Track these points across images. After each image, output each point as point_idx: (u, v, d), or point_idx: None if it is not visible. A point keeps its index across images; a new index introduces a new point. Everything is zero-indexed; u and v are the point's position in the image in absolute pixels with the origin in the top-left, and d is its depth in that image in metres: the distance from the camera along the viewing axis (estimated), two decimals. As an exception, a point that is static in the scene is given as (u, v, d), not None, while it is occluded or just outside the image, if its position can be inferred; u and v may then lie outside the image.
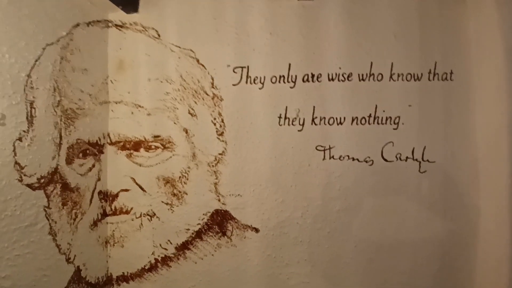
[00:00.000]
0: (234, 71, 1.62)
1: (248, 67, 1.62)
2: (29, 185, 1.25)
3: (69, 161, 1.45)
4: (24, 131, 1.23)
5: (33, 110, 1.27)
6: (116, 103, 1.68)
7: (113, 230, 1.69)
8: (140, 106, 1.66)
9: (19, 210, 1.21)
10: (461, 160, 1.55)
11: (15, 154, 1.20)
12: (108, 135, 1.68)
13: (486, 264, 1.49)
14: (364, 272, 1.59)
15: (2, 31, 1.16)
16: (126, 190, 1.67)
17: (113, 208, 1.68)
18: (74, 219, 1.49)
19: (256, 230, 1.61)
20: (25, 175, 1.23)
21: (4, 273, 1.15)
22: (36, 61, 1.29)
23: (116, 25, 1.70)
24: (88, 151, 1.57)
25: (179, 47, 1.65)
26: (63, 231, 1.42)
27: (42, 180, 1.31)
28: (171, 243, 1.66)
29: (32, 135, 1.26)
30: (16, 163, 1.20)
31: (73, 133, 1.48)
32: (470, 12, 1.56)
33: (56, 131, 1.38)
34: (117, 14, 1.69)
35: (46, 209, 1.33)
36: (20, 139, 1.21)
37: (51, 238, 1.36)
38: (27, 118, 1.24)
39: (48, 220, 1.34)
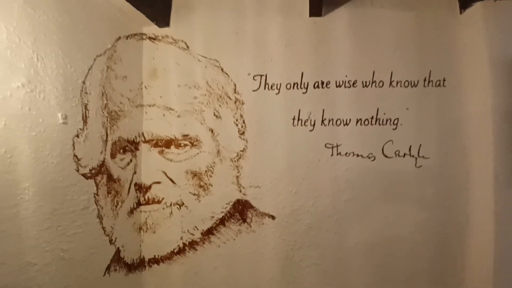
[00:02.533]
0: (254, 79, 1.85)
1: (266, 75, 1.85)
2: (83, 175, 1.49)
3: (112, 156, 1.69)
4: (80, 129, 1.46)
5: (87, 111, 1.50)
6: (150, 106, 1.91)
7: (146, 218, 1.92)
8: (171, 109, 1.90)
9: (76, 195, 1.44)
10: (452, 156, 1.76)
11: (74, 148, 1.43)
12: (143, 134, 1.91)
13: (475, 246, 1.70)
14: (368, 254, 1.80)
15: (64, 45, 1.39)
16: (158, 183, 1.90)
17: (146, 198, 1.91)
18: (116, 206, 1.72)
19: (273, 218, 1.84)
20: (80, 166, 1.47)
21: (66, 247, 1.38)
22: (89, 70, 1.53)
23: (150, 38, 1.94)
24: (126, 148, 1.80)
25: (205, 57, 1.88)
26: (107, 216, 1.65)
27: (93, 171, 1.54)
28: (197, 229, 1.88)
29: (86, 133, 1.50)
30: (74, 155, 1.43)
31: (116, 132, 1.71)
32: (460, 28, 1.78)
33: (103, 130, 1.62)
34: (151, 28, 1.93)
35: (95, 196, 1.56)
36: (77, 136, 1.45)
37: (99, 221, 1.59)
38: (82, 118, 1.48)
39: (97, 205, 1.57)
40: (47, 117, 1.29)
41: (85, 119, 1.49)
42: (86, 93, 1.50)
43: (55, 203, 1.32)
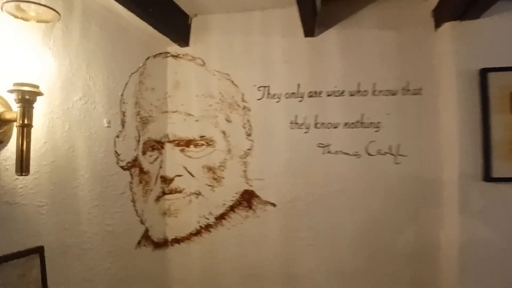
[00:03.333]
0: (258, 89, 2.22)
1: (269, 86, 2.22)
2: (122, 167, 1.89)
3: (143, 153, 2.09)
4: (119, 131, 1.87)
5: (124, 117, 1.91)
6: (173, 112, 2.31)
7: (169, 205, 2.31)
8: (190, 114, 2.29)
9: (116, 183, 1.85)
10: (426, 154, 2.07)
11: (115, 146, 1.84)
12: (167, 135, 2.31)
13: (446, 229, 2.01)
14: (355, 237, 2.12)
15: (108, 67, 1.80)
16: (180, 176, 2.29)
17: (170, 188, 2.30)
18: (145, 194, 2.12)
19: (274, 205, 2.20)
20: (120, 160, 1.87)
21: (108, 222, 1.78)
22: (126, 84, 1.94)
23: (173, 56, 2.34)
24: (154, 146, 2.21)
25: (219, 71, 2.27)
26: (139, 201, 2.05)
27: (129, 164, 1.94)
28: (212, 214, 2.26)
29: (124, 134, 1.90)
30: (115, 151, 1.84)
31: (146, 134, 2.12)
32: (435, 44, 2.09)
33: (137, 132, 2.02)
34: (174, 48, 2.33)
35: (130, 184, 1.96)
36: (117, 136, 1.85)
37: (132, 204, 1.99)
38: (121, 122, 1.88)
39: (131, 191, 1.97)
40: (96, 122, 1.70)
41: (123, 124, 1.89)
42: (124, 103, 1.91)
43: (102, 187, 1.73)
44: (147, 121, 2.12)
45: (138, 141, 2.04)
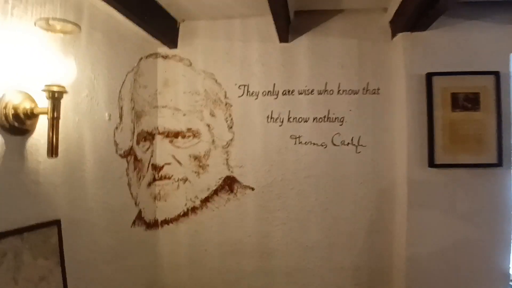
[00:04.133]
0: (239, 88, 2.53)
1: (248, 85, 2.52)
2: (120, 155, 2.16)
3: (137, 143, 2.36)
4: (118, 124, 2.14)
5: (122, 111, 2.18)
6: (163, 107, 2.59)
7: (160, 190, 2.60)
8: (178, 109, 2.57)
9: (115, 168, 2.12)
10: (383, 145, 2.43)
11: (114, 136, 2.11)
12: (157, 128, 2.59)
13: (398, 209, 2.38)
14: (321, 217, 2.47)
15: (108, 67, 2.06)
16: (169, 164, 2.58)
17: (159, 175, 2.58)
18: (139, 179, 2.40)
19: (252, 189, 2.51)
20: (118, 149, 2.14)
21: (109, 201, 2.05)
22: (123, 82, 2.20)
23: (163, 56, 2.61)
24: (146, 137, 2.48)
25: (204, 71, 2.56)
26: (134, 185, 2.33)
27: (125, 153, 2.22)
28: (197, 198, 2.56)
29: (121, 126, 2.17)
30: (115, 141, 2.11)
31: (140, 126, 2.39)
32: (390, 51, 2.44)
33: (132, 124, 2.30)
34: (164, 49, 2.60)
35: (127, 170, 2.24)
36: (116, 128, 2.12)
37: (128, 188, 2.26)
38: (119, 116, 2.16)
39: (127, 176, 2.25)
40: (99, 116, 1.97)
41: (120, 117, 2.17)
42: (121, 99, 2.18)
43: (104, 171, 2.00)
44: (140, 115, 2.40)
45: (133, 132, 2.31)
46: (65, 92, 1.40)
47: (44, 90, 1.36)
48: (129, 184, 2.27)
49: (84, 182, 1.85)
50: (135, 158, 2.34)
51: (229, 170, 2.53)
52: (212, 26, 2.58)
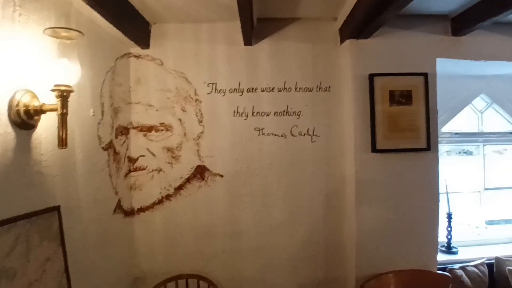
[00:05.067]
0: (208, 86, 2.79)
1: (216, 83, 2.79)
2: (102, 148, 2.35)
3: (116, 136, 2.56)
4: (100, 119, 2.32)
5: (103, 108, 2.37)
6: (136, 103, 2.79)
7: (135, 180, 2.80)
8: (151, 105, 2.78)
9: (98, 161, 2.31)
10: (333, 134, 2.82)
11: (98, 131, 2.30)
12: (132, 122, 2.78)
13: (347, 188, 2.79)
14: (283, 199, 2.82)
15: (91, 68, 2.24)
16: (143, 156, 2.78)
17: (135, 166, 2.79)
18: (118, 170, 2.59)
19: (221, 176, 2.80)
20: (101, 142, 2.33)
21: (95, 192, 2.24)
22: (103, 81, 2.39)
23: (135, 56, 2.81)
24: (122, 131, 2.67)
25: (175, 70, 2.79)
26: (113, 176, 2.52)
27: (106, 146, 2.41)
28: (171, 186, 2.80)
29: (103, 121, 2.36)
30: (98, 136, 2.30)
31: (117, 121, 2.58)
32: (339, 54, 2.83)
33: (111, 120, 2.49)
34: (136, 49, 2.79)
35: (108, 162, 2.43)
36: (99, 123, 2.31)
37: (109, 178, 2.45)
38: (101, 112, 2.34)
39: (108, 168, 2.44)
40: (85, 112, 2.15)
41: (102, 113, 2.35)
42: (102, 96, 2.36)
43: (90, 164, 2.19)
44: (117, 111, 2.58)
45: (112, 127, 2.50)
46: (73, 91, 1.60)
47: (53, 90, 1.56)
48: (110, 175, 2.46)
49: (76, 173, 2.04)
50: (114, 151, 2.53)
51: (200, 160, 2.80)
52: (182, 29, 2.81)
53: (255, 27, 2.75)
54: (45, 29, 1.57)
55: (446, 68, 2.91)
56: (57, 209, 1.82)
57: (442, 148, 3.66)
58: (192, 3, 2.50)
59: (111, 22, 2.27)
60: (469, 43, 2.80)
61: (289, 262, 2.81)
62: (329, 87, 2.84)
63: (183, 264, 2.78)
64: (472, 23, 2.62)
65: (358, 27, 2.53)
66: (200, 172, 2.80)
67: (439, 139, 2.76)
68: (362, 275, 2.64)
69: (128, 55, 2.78)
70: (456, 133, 3.63)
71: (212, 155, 2.80)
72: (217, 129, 2.80)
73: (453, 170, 3.66)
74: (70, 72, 1.61)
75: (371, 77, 2.66)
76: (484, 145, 3.72)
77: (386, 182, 2.67)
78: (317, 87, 2.83)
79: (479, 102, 3.72)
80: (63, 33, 1.60)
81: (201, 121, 2.79)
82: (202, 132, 2.79)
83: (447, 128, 3.59)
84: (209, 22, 2.78)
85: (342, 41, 2.80)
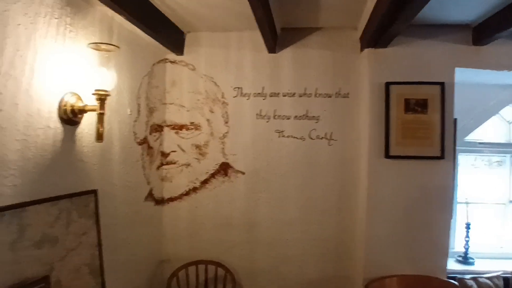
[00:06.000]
0: (234, 89, 3.06)
1: (242, 87, 3.05)
2: (137, 142, 2.69)
3: (150, 133, 2.89)
4: (136, 117, 2.66)
5: (139, 108, 2.70)
6: (170, 104, 3.11)
7: (166, 173, 3.12)
8: (183, 106, 3.09)
9: (132, 154, 2.64)
10: (350, 140, 2.98)
11: (134, 128, 2.63)
12: (165, 121, 3.11)
13: (360, 189, 2.94)
14: (298, 197, 3.02)
15: (130, 72, 2.57)
16: (174, 151, 3.10)
17: (166, 160, 3.11)
18: (151, 163, 2.92)
19: (243, 173, 3.06)
20: (136, 137, 2.67)
21: (129, 179, 2.58)
22: (140, 84, 2.72)
23: (171, 61, 3.13)
24: (157, 129, 3.00)
25: (206, 75, 3.08)
26: (146, 168, 2.85)
27: (141, 141, 2.74)
28: (198, 180, 3.09)
29: (138, 119, 2.69)
30: (133, 132, 2.63)
31: (152, 119, 2.91)
32: (359, 62, 2.98)
33: (146, 118, 2.82)
34: (172, 56, 3.11)
35: (142, 155, 2.76)
36: (135, 121, 2.64)
37: (143, 169, 2.79)
38: (137, 111, 2.67)
39: (142, 160, 2.77)
40: (123, 111, 2.49)
41: (138, 112, 2.69)
42: (139, 97, 2.70)
43: (125, 155, 2.52)
44: (152, 110, 2.92)
45: (147, 124, 2.84)
46: (109, 95, 1.92)
47: (94, 94, 1.89)
48: (143, 167, 2.79)
49: (112, 163, 2.38)
50: (148, 146, 2.86)
51: (224, 157, 3.07)
52: (212, 37, 3.09)
53: (279, 36, 2.97)
54: (89, 43, 1.90)
55: (472, 76, 2.96)
56: (94, 192, 2.16)
57: (466, 157, 3.67)
58: (222, 14, 2.76)
59: (148, 34, 2.58)
60: (490, 52, 2.81)
61: (300, 257, 3.01)
62: (348, 93, 3.00)
63: (204, 251, 3.07)
64: (493, 33, 2.64)
65: (374, 36, 2.66)
66: (224, 168, 3.07)
67: (460, 148, 2.80)
68: (369, 276, 2.76)
69: (164, 60, 3.10)
70: (481, 143, 3.63)
71: (235, 154, 3.06)
72: (241, 130, 3.05)
73: (478, 179, 3.66)
74: (107, 79, 1.93)
75: (388, 85, 2.78)
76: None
77: (398, 188, 2.77)
78: (336, 93, 3.00)
79: (509, 112, 3.70)
80: (103, 46, 1.92)
81: (226, 122, 3.06)
82: (227, 132, 3.06)
83: (472, 136, 3.60)
84: (237, 30, 3.04)
85: (362, 49, 2.95)
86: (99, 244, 2.17)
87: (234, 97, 3.06)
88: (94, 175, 2.17)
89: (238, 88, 3.06)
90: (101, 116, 1.90)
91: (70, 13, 1.92)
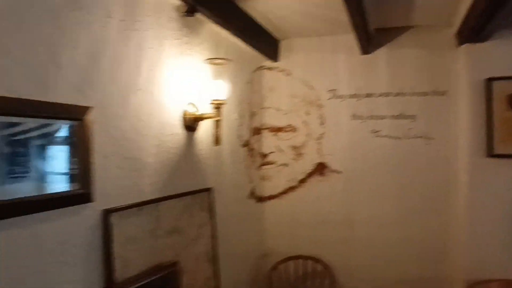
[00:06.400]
0: (329, 92, 3.18)
1: (336, 89, 3.16)
2: (242, 145, 2.95)
3: (251, 135, 3.13)
4: (240, 121, 2.91)
5: (243, 112, 2.95)
6: (268, 108, 3.33)
7: (266, 173, 3.34)
8: (280, 109, 3.29)
9: (238, 155, 2.90)
10: (448, 138, 2.90)
11: (238, 131, 2.89)
12: (264, 124, 3.33)
13: (461, 191, 2.87)
14: (395, 196, 3.02)
15: (234, 79, 2.82)
16: (273, 152, 3.32)
17: (266, 161, 3.34)
18: (252, 163, 3.17)
19: (339, 173, 3.16)
20: (241, 140, 2.92)
21: (237, 178, 2.84)
22: (242, 91, 2.98)
23: (268, 68, 3.34)
24: (257, 131, 3.24)
25: (301, 79, 3.24)
26: (249, 168, 3.10)
27: (245, 143, 3.00)
28: (295, 179, 3.27)
29: (243, 124, 2.94)
30: (238, 135, 2.89)
31: (253, 123, 3.16)
32: (455, 60, 2.88)
33: (248, 122, 3.07)
34: (268, 62, 3.33)
35: (245, 156, 3.02)
36: (240, 125, 2.90)
37: (246, 170, 3.04)
38: (241, 116, 2.92)
39: (245, 161, 3.03)
40: (231, 116, 2.75)
41: (242, 116, 2.94)
42: (242, 102, 2.95)
43: (233, 156, 2.79)
44: (253, 114, 3.16)
45: (249, 128, 3.09)
46: (225, 103, 2.18)
47: (211, 103, 2.16)
48: (247, 167, 3.05)
49: (223, 165, 2.65)
50: (250, 148, 3.11)
51: (320, 157, 3.20)
52: (307, 42, 3.25)
53: (372, 37, 3.02)
54: (205, 59, 2.18)
55: None
56: (210, 190, 2.45)
57: None
58: (316, 20, 2.89)
59: (249, 44, 2.82)
60: None
61: (397, 257, 3.02)
62: (445, 91, 2.94)
63: (302, 246, 3.22)
64: None
65: (474, 31, 2.58)
66: (320, 168, 3.21)
67: None
68: (470, 278, 2.65)
69: (262, 67, 3.33)
70: None
71: (331, 154, 3.18)
72: (336, 131, 3.17)
73: None
74: (223, 89, 2.19)
75: (489, 81, 2.65)
76: None
77: (502, 187, 2.64)
78: (432, 91, 2.96)
79: None
80: (217, 60, 2.18)
81: (322, 124, 3.19)
82: (323, 133, 3.19)
83: None
84: (331, 35, 3.16)
85: (458, 45, 2.87)
86: (215, 236, 2.45)
87: (329, 99, 3.19)
88: (209, 175, 2.46)
89: (333, 90, 3.17)
90: (218, 123, 2.17)
91: (187, 33, 2.21)
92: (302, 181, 3.26)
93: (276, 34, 3.22)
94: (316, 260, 3.16)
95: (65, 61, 1.41)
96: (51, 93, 1.35)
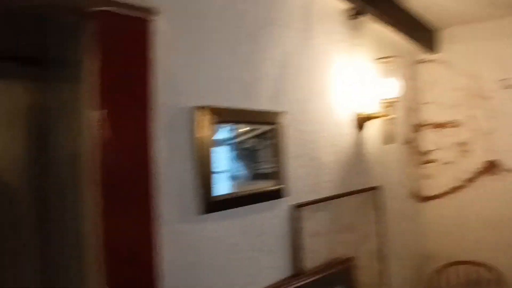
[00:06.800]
0: (498, 81, 2.87)
1: (507, 79, 2.84)
2: (402, 143, 2.88)
3: (414, 132, 3.03)
4: (400, 119, 2.85)
5: (402, 109, 2.88)
6: (427, 103, 3.16)
7: (427, 171, 3.19)
8: (441, 104, 3.11)
9: (400, 153, 2.83)
10: None
11: (398, 128, 2.83)
12: (424, 120, 3.17)
13: None
14: None
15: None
16: (434, 149, 3.15)
17: (426, 159, 3.19)
18: (412, 161, 3.06)
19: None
20: (400, 138, 2.86)
21: (398, 178, 2.79)
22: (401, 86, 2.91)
23: (426, 61, 3.16)
24: (416, 128, 3.13)
25: (463, 70, 2.99)
26: (409, 166, 3.00)
27: (404, 141, 2.91)
28: (461, 178, 3.04)
29: (402, 121, 2.87)
30: (399, 133, 2.83)
31: (412, 119, 3.05)
32: None
33: (407, 119, 2.97)
34: (425, 55, 3.15)
35: (404, 155, 2.93)
36: (401, 123, 2.84)
37: (406, 168, 2.95)
38: (400, 113, 2.86)
39: (406, 159, 2.94)
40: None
41: (401, 114, 2.87)
42: (402, 99, 2.88)
43: (395, 155, 2.75)
44: (412, 111, 3.06)
45: (408, 125, 3.00)
46: (398, 101, 2.18)
47: (382, 102, 2.18)
48: (406, 165, 2.96)
49: (387, 163, 2.64)
50: (410, 145, 3.02)
51: (491, 154, 2.92)
52: (466, 30, 3.00)
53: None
54: (374, 58, 2.20)
55: None
56: (377, 188, 2.46)
57: None
58: (478, 4, 2.63)
59: (406, 38, 2.73)
60: None
61: None
62: None
63: (468, 251, 2.95)
64: None
65: None
66: (491, 166, 2.93)
67: None
68: None
69: (420, 61, 3.19)
70: None
71: (505, 150, 2.87)
72: (510, 124, 2.86)
73: None
74: (395, 87, 2.19)
75: None
76: None
77: None
78: None
79: None
80: (387, 59, 2.19)
81: (492, 117, 2.91)
82: (493, 128, 2.91)
83: None
84: (496, 19, 2.85)
85: None
86: (384, 234, 2.46)
87: (499, 90, 2.89)
88: (376, 173, 2.47)
89: (504, 79, 2.87)
90: (391, 121, 2.18)
91: (353, 35, 2.27)
92: (470, 180, 3.02)
93: (432, 25, 3.05)
94: (488, 267, 2.88)
95: (262, 73, 1.62)
96: (254, 102, 1.57)
